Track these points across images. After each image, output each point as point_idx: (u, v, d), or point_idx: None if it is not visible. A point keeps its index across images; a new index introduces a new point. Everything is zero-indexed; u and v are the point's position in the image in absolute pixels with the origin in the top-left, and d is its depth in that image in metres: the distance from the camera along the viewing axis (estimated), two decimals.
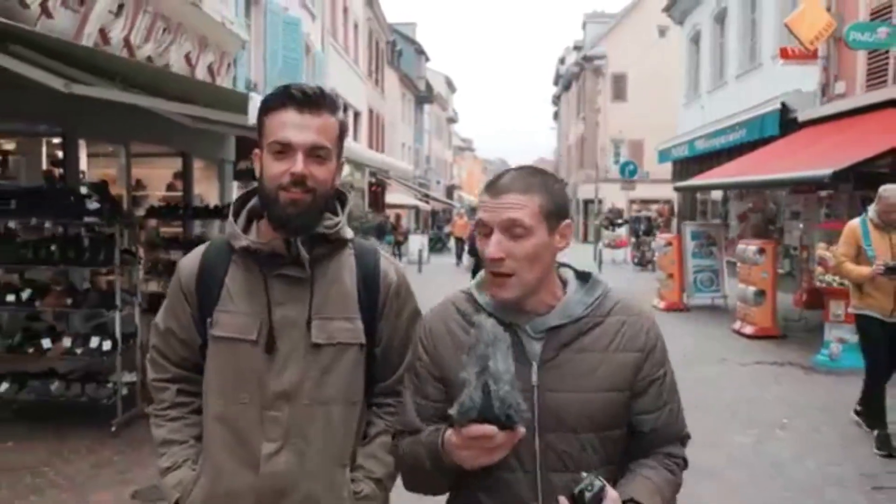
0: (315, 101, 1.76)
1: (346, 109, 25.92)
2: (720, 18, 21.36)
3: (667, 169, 25.37)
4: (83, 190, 7.17)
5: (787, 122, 14.98)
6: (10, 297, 5.87)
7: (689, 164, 21.79)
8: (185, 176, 11.33)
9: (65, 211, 5.97)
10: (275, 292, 1.81)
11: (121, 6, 8.34)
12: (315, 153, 1.74)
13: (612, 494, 1.49)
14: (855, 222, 6.22)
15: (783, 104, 15.13)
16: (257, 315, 1.81)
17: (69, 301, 5.90)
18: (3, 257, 6.06)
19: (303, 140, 1.72)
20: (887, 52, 12.20)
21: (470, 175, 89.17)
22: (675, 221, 23.35)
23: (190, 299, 1.89)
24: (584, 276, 1.75)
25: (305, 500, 1.82)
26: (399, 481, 1.82)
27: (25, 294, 5.89)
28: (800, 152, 12.97)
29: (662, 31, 37.89)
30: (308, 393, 1.81)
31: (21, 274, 6.67)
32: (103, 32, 8.01)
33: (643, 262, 23.79)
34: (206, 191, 12.13)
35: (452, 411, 1.44)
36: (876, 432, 5.98)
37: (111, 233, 5.91)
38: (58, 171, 8.57)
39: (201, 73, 10.64)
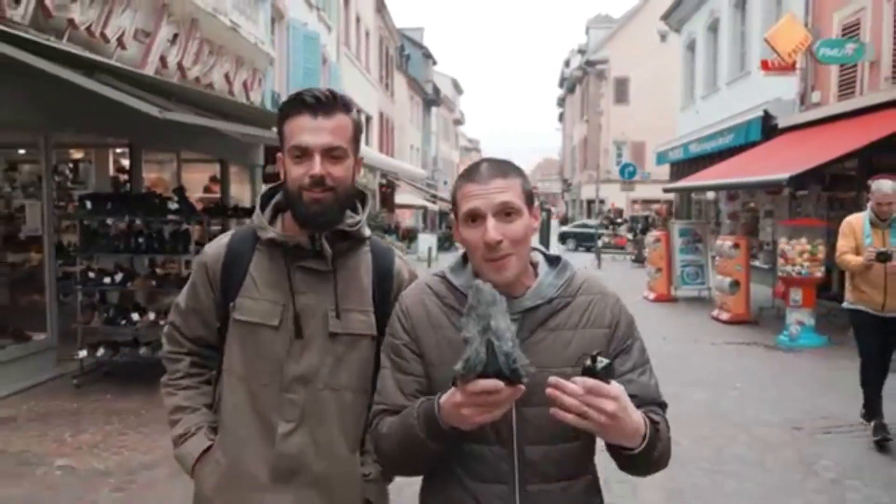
0: (326, 104, 1.85)
1: (358, 114, 27.22)
2: (713, 28, 22.35)
3: (668, 170, 26.51)
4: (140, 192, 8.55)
5: (769, 128, 16.16)
6: (107, 280, 7.29)
7: (685, 165, 22.92)
8: (222, 179, 12.70)
9: (151, 211, 7.37)
10: (297, 282, 1.91)
11: (175, 35, 9.74)
12: (331, 154, 1.84)
13: (617, 384, 1.51)
14: (857, 216, 6.29)
15: (765, 111, 16.29)
16: (279, 303, 1.91)
17: (153, 283, 7.29)
18: (102, 248, 7.46)
19: (318, 142, 1.82)
20: (855, 65, 13.45)
21: None
22: (672, 220, 24.51)
23: (214, 284, 1.99)
24: (553, 260, 1.82)
25: (317, 479, 1.91)
26: None
27: (118, 277, 7.30)
28: (776, 156, 14.19)
29: (663, 37, 38.65)
30: (323, 378, 1.91)
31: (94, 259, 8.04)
32: (163, 59, 9.41)
33: (640, 259, 24.98)
34: (240, 192, 13.52)
35: (458, 367, 1.44)
36: (873, 423, 6.05)
37: (186, 228, 7.30)
38: (123, 177, 9.96)
39: (237, 89, 12.03)
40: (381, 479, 1.99)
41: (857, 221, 6.20)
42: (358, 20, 27.24)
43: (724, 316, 12.41)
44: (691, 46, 24.98)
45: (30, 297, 8.37)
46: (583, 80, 49.84)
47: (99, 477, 5.09)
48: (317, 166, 1.81)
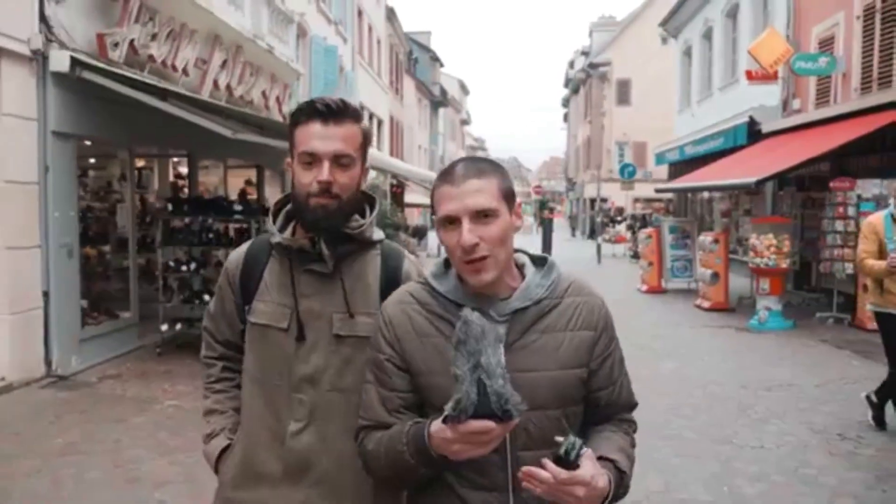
0: (337, 112, 1.89)
1: (370, 119, 28.78)
2: (707, 35, 23.59)
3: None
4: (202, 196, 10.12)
5: (754, 133, 17.46)
6: (184, 268, 8.89)
7: (680, 166, 24.17)
8: (258, 182, 14.30)
9: (221, 211, 8.97)
10: (302, 286, 1.96)
11: (224, 61, 11.31)
12: (339, 161, 1.88)
13: (589, 451, 1.55)
14: (877, 217, 6.07)
15: (750, 117, 17.60)
16: (288, 306, 1.96)
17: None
18: (181, 241, 9.09)
19: (327, 150, 1.86)
20: (830, 76, 14.87)
21: None
22: (662, 218, 25.80)
23: (234, 289, 2.07)
24: (539, 261, 1.81)
25: (325, 476, 1.96)
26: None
27: (192, 265, 8.93)
28: (757, 159, 15.53)
29: (664, 39, 39.63)
30: (330, 380, 1.95)
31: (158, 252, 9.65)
32: (216, 82, 10.99)
33: (637, 255, 26.38)
34: (272, 194, 15.09)
35: (448, 408, 1.45)
36: (876, 400, 6.33)
37: (247, 226, 8.89)
38: (181, 182, 11.53)
39: (272, 103, 13.60)
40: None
41: (877, 221, 5.99)
42: (370, 30, 28.75)
43: (706, 304, 13.91)
44: (688, 52, 26.17)
45: (101, 284, 9.94)
46: (586, 81, 51.16)
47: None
48: (325, 172, 1.86)
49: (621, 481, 1.64)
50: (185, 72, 9.95)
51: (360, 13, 26.27)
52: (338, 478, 1.96)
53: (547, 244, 27.58)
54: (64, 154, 7.89)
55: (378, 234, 2.05)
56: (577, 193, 54.95)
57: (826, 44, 15.13)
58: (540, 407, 1.63)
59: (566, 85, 65.88)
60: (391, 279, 1.99)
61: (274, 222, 2.03)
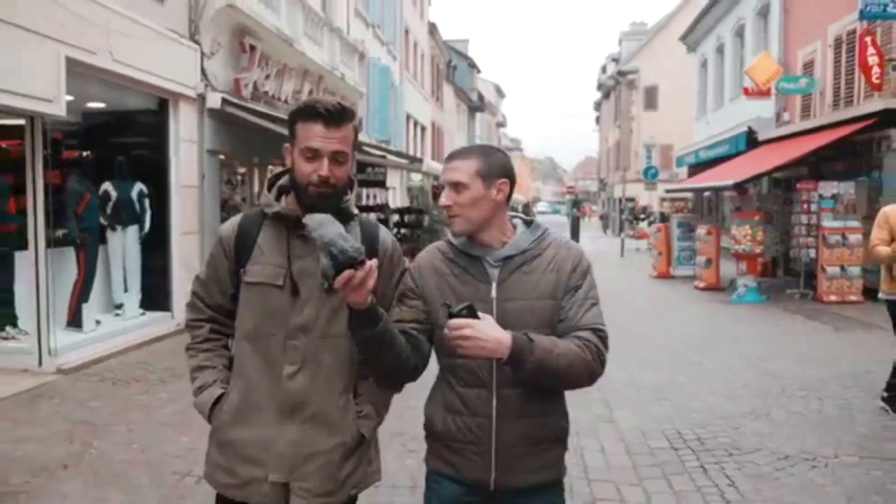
0: (337, 116, 2.17)
1: (415, 127, 31.62)
2: (721, 51, 26.02)
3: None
4: None
5: (752, 141, 19.95)
6: None
7: (696, 168, 26.46)
8: None
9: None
10: (296, 249, 2.25)
11: (311, 90, 14.37)
12: (336, 158, 2.18)
13: (487, 317, 2.03)
14: (891, 208, 6.13)
15: (749, 127, 20.17)
16: (283, 266, 2.26)
17: None
18: None
19: (328, 149, 2.16)
20: (810, 94, 17.47)
21: (518, 174, 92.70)
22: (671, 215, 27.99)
23: (228, 255, 2.34)
24: (528, 222, 2.33)
25: (316, 414, 2.27)
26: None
27: None
28: (747, 164, 18.11)
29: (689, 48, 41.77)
30: (320, 328, 2.26)
31: None
32: None
33: None
34: None
35: (320, 279, 1.94)
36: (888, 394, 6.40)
37: None
38: None
39: None
40: (374, 417, 2.37)
41: (892, 212, 6.09)
42: (415, 46, 31.61)
43: (701, 285, 16.67)
44: (704, 65, 28.60)
45: None
46: (615, 88, 53.47)
47: None
48: (325, 169, 2.16)
49: (529, 347, 2.03)
50: (286, 101, 13.00)
51: (406, 32, 29.13)
52: (328, 415, 2.28)
53: (574, 239, 29.99)
54: (213, 166, 10.99)
55: (355, 209, 2.37)
56: (608, 193, 57.30)
57: (808, 66, 17.72)
58: (522, 326, 2.10)
59: (598, 89, 67.92)
60: (370, 245, 2.30)
61: (270, 194, 2.33)
